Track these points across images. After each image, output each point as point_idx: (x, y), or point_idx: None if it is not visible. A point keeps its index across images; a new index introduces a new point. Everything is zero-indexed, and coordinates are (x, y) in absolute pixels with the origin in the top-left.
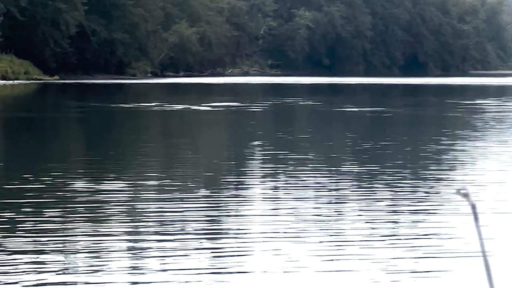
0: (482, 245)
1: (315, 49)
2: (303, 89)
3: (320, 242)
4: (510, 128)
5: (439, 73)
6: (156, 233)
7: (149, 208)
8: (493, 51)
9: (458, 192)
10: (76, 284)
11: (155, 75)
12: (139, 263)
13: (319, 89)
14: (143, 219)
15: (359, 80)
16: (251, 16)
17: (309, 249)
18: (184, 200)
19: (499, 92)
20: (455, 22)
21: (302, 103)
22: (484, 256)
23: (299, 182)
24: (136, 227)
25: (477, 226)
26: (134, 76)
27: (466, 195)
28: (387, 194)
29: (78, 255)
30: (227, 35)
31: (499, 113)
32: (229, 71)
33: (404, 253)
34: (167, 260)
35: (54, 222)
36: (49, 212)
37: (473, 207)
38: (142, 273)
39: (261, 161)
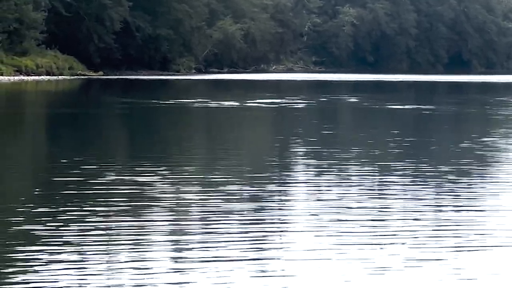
0: None
1: (359, 46)
2: (347, 86)
3: (362, 240)
4: None
5: (483, 70)
6: (199, 227)
7: (192, 203)
8: None
9: None
10: (120, 276)
11: (199, 71)
12: (181, 255)
13: (363, 86)
14: (186, 216)
15: (403, 77)
16: (295, 13)
17: (350, 249)
18: (228, 195)
19: None
20: (500, 20)
21: (346, 100)
22: None
23: (343, 179)
24: (179, 224)
25: None
26: (178, 72)
27: None
28: (431, 192)
29: (121, 247)
30: (271, 32)
31: None
32: (273, 67)
33: (449, 252)
34: (210, 253)
35: (98, 214)
36: (94, 205)
37: None
38: (184, 264)
39: (305, 157)
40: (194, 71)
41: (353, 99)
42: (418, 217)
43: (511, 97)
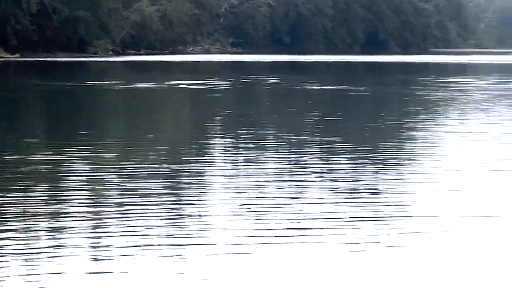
0: None
1: (276, 27)
2: (265, 67)
3: (280, 219)
4: (470, 105)
5: (400, 51)
6: (118, 207)
7: (109, 184)
8: (454, 29)
9: None
10: (38, 262)
11: (117, 53)
12: (100, 241)
13: (280, 67)
14: (104, 197)
15: (320, 58)
16: None
17: (270, 227)
18: (146, 178)
19: (460, 70)
20: (416, 0)
21: (263, 81)
22: None
23: (261, 160)
24: (97, 206)
25: None
26: (95, 54)
27: None
28: (349, 172)
29: (39, 233)
30: (188, 13)
31: (459, 91)
32: (190, 49)
33: (366, 229)
34: (129, 239)
35: (14, 202)
36: (11, 191)
37: None
38: (104, 250)
39: (223, 138)
40: (111, 53)
41: (271, 80)
42: (334, 197)
43: (428, 76)
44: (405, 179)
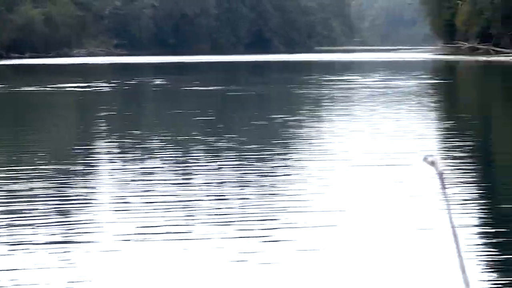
0: (449, 214)
1: (161, 28)
2: (149, 68)
3: (167, 217)
4: (354, 102)
5: (285, 50)
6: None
7: None
8: (338, 27)
9: (425, 159)
10: None
11: (0, 56)
12: None
13: (165, 68)
14: None
15: (205, 58)
16: None
17: (156, 224)
18: (31, 179)
19: (345, 67)
20: None
21: (148, 82)
22: (452, 226)
23: (146, 160)
24: None
25: (445, 195)
26: None
27: (433, 163)
28: (235, 170)
29: None
30: (72, 16)
31: (344, 88)
32: (75, 51)
33: (254, 225)
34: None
35: None
36: None
37: (440, 175)
38: None
39: (108, 140)
40: None
41: (156, 81)
42: (221, 195)
43: (312, 75)
44: (291, 175)
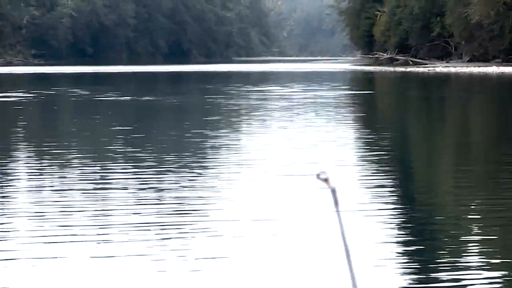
0: (342, 230)
1: (79, 38)
2: (67, 78)
3: (85, 226)
4: (270, 112)
5: (203, 60)
6: None
7: None
8: (257, 37)
9: (317, 176)
10: None
11: None
12: None
13: (83, 78)
14: None
15: (123, 69)
16: (13, 6)
17: (75, 239)
18: None
19: (263, 78)
20: (218, 9)
21: (66, 92)
22: (345, 242)
23: (64, 170)
24: None
25: (337, 212)
26: None
27: (325, 180)
28: (152, 179)
29: None
30: None
31: (262, 99)
32: None
33: (170, 233)
34: None
35: None
36: None
37: (333, 191)
38: None
39: (24, 150)
40: None
41: (74, 91)
42: (140, 208)
43: (229, 85)
44: (207, 185)
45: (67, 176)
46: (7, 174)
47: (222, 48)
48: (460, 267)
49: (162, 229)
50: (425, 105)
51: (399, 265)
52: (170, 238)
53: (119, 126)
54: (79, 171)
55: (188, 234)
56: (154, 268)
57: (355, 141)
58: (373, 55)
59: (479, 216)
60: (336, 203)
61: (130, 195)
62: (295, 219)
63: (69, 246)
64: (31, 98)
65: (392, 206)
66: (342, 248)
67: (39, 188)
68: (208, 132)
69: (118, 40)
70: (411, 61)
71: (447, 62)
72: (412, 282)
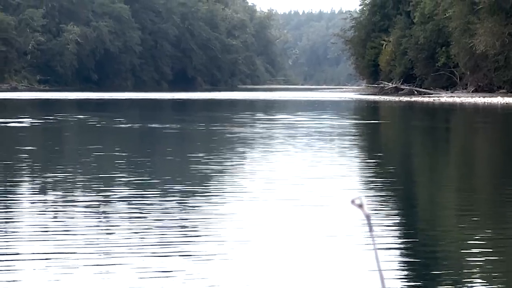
0: (376, 255)
1: (84, 64)
2: (72, 104)
3: (89, 258)
4: (276, 140)
5: (208, 87)
6: None
7: None
8: (262, 65)
9: (352, 202)
10: None
11: None
12: None
13: (88, 105)
14: None
15: (128, 95)
16: (19, 31)
17: (74, 258)
18: None
19: (268, 106)
20: (224, 37)
21: (71, 118)
22: (378, 265)
23: (68, 199)
24: None
25: (372, 236)
26: None
27: (360, 206)
28: (156, 205)
29: None
30: None
31: (266, 127)
32: None
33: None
34: None
35: None
36: None
37: (368, 217)
38: None
39: (28, 175)
40: None
41: (78, 117)
42: (143, 236)
43: (235, 113)
44: (208, 211)
45: (70, 201)
46: (9, 202)
47: (227, 76)
48: None
49: (165, 256)
50: (431, 135)
51: None
52: (174, 262)
53: (123, 152)
54: (82, 196)
55: (191, 258)
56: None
57: (360, 171)
58: (378, 84)
59: (484, 249)
60: (370, 228)
61: (133, 220)
62: (302, 243)
63: (71, 276)
64: (36, 123)
65: (395, 236)
66: (376, 271)
67: (42, 213)
68: (210, 159)
69: (124, 66)
70: (416, 90)
71: (452, 92)
72: None
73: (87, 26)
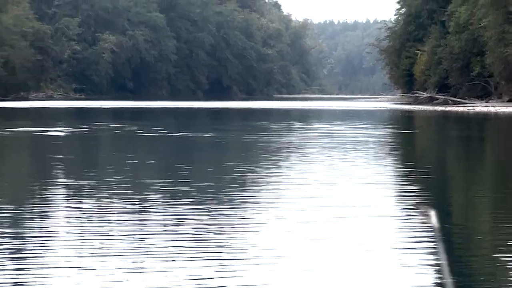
0: (445, 268)
1: (119, 73)
2: (108, 113)
3: (125, 264)
4: (312, 150)
5: (244, 96)
6: None
7: None
8: (297, 74)
9: (421, 213)
10: None
11: None
12: None
13: (123, 113)
14: None
15: (164, 104)
16: (55, 40)
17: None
18: None
19: (303, 115)
20: (259, 46)
21: (105, 127)
22: (447, 276)
23: (106, 207)
24: None
25: (439, 246)
26: None
27: (429, 217)
28: (191, 213)
29: None
30: (31, 59)
31: (303, 137)
32: (33, 95)
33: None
34: None
35: None
36: None
37: (436, 228)
38: None
39: (64, 183)
40: None
41: (113, 126)
42: (178, 244)
43: (268, 122)
44: (249, 218)
45: (106, 210)
46: (46, 210)
47: (262, 85)
48: None
49: (200, 267)
50: (466, 144)
51: None
52: (208, 269)
53: (159, 161)
54: (118, 204)
55: (226, 267)
56: None
57: (395, 180)
58: (412, 94)
59: None
60: (438, 239)
61: (168, 229)
62: (340, 252)
63: (106, 283)
64: (71, 132)
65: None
66: (445, 280)
67: (79, 221)
68: (248, 168)
69: (159, 75)
70: (451, 100)
71: (486, 102)
72: None
73: (122, 35)
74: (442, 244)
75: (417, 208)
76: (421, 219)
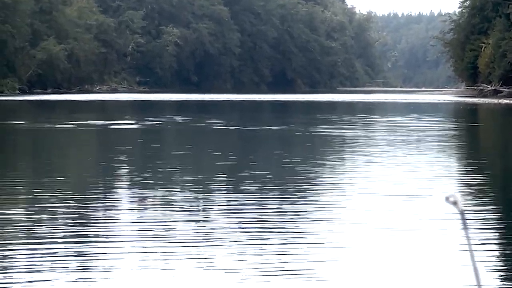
0: (471, 251)
1: (183, 66)
2: (172, 106)
3: (189, 259)
4: (378, 142)
5: (307, 89)
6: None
7: (18, 223)
8: (361, 67)
9: (447, 199)
10: None
11: (23, 92)
12: None
13: (188, 106)
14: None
15: (228, 97)
16: (119, 33)
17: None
18: (52, 220)
19: (368, 108)
20: (323, 39)
21: (171, 120)
22: (473, 260)
23: (169, 198)
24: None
25: (466, 233)
26: (1, 93)
27: (455, 203)
28: (255, 207)
29: None
30: (95, 52)
31: (366, 130)
32: (97, 88)
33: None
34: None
35: None
36: None
37: (462, 214)
38: None
39: (129, 177)
40: (18, 91)
41: (179, 119)
42: (242, 242)
43: (335, 115)
44: (309, 210)
45: (170, 202)
46: (110, 199)
47: (326, 78)
48: None
49: (265, 255)
50: None
51: None
52: (273, 265)
53: (223, 154)
54: (182, 196)
55: (290, 258)
56: None
57: (460, 173)
58: (477, 87)
59: None
60: (464, 224)
61: (232, 220)
62: (404, 245)
63: (168, 279)
64: (136, 125)
65: (491, 234)
66: (471, 267)
67: (143, 215)
68: (314, 161)
69: (223, 68)
70: None
71: None
72: None
73: (186, 28)
74: (467, 230)
75: (446, 197)
76: (449, 205)
